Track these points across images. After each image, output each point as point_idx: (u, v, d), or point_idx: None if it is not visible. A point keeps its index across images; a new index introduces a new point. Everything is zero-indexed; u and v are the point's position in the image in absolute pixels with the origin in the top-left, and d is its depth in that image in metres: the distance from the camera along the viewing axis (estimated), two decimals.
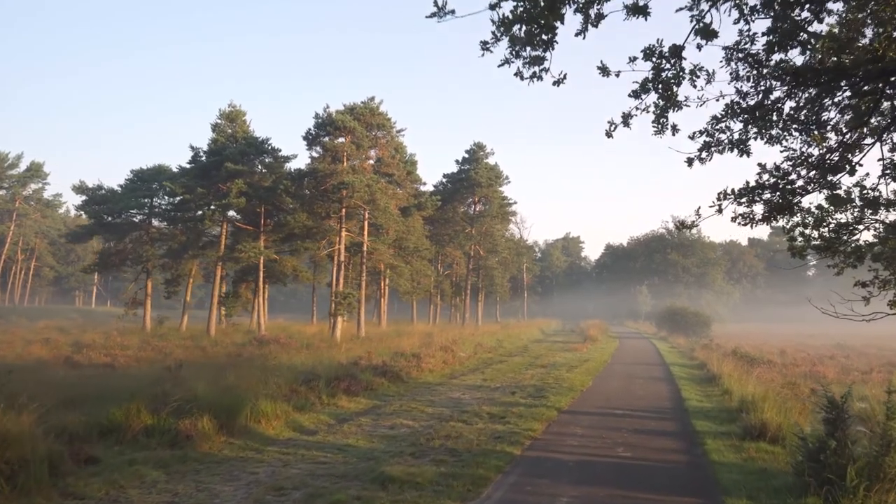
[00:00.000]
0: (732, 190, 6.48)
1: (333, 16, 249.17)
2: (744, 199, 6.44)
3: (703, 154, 6.48)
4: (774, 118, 6.23)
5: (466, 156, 59.37)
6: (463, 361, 21.53)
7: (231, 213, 40.44)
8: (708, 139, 6.42)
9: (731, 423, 10.68)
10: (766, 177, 6.53)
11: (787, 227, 7.11)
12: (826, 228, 7.00)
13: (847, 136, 6.46)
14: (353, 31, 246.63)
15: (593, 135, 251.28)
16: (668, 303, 56.30)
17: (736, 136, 6.50)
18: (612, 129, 6.47)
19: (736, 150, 6.59)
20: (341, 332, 33.63)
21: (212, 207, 34.36)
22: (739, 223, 6.55)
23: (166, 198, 39.12)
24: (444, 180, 59.66)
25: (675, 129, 6.47)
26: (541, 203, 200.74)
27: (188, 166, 37.97)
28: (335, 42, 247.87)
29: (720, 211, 6.33)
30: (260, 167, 37.84)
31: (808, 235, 7.04)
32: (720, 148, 6.58)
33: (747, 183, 6.45)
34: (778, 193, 6.45)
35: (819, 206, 7.15)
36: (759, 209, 6.58)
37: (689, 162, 6.52)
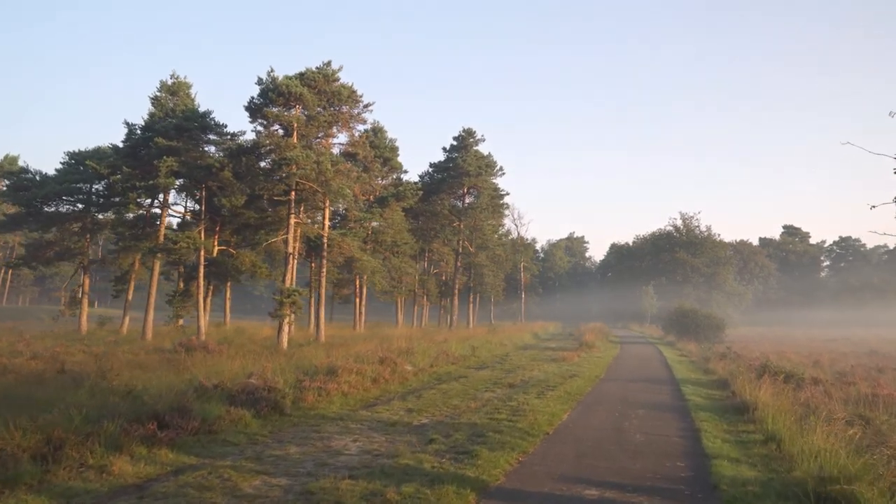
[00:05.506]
0: None
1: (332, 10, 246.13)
2: None
3: None
4: None
5: (455, 143, 54.08)
6: (406, 378, 16.22)
7: (182, 199, 35.49)
8: None
9: None
10: None
11: None
12: None
13: None
14: (352, 24, 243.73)
15: (597, 134, 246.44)
16: (676, 304, 50.80)
17: None
18: None
19: None
20: (291, 335, 28.56)
21: (137, 189, 29.25)
22: None
23: (103, 182, 34.15)
24: (430, 170, 54.48)
25: None
26: (544, 203, 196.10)
27: (122, 145, 33.00)
28: (332, 33, 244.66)
29: None
30: (204, 146, 32.72)
31: None
32: None
33: None
34: None
35: None
36: None
37: None
